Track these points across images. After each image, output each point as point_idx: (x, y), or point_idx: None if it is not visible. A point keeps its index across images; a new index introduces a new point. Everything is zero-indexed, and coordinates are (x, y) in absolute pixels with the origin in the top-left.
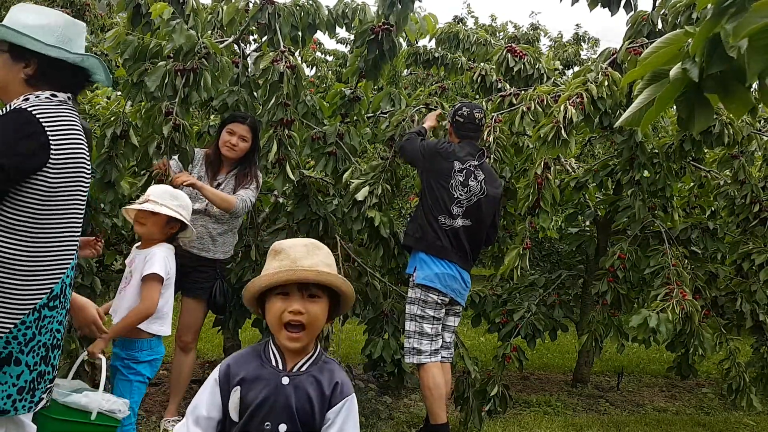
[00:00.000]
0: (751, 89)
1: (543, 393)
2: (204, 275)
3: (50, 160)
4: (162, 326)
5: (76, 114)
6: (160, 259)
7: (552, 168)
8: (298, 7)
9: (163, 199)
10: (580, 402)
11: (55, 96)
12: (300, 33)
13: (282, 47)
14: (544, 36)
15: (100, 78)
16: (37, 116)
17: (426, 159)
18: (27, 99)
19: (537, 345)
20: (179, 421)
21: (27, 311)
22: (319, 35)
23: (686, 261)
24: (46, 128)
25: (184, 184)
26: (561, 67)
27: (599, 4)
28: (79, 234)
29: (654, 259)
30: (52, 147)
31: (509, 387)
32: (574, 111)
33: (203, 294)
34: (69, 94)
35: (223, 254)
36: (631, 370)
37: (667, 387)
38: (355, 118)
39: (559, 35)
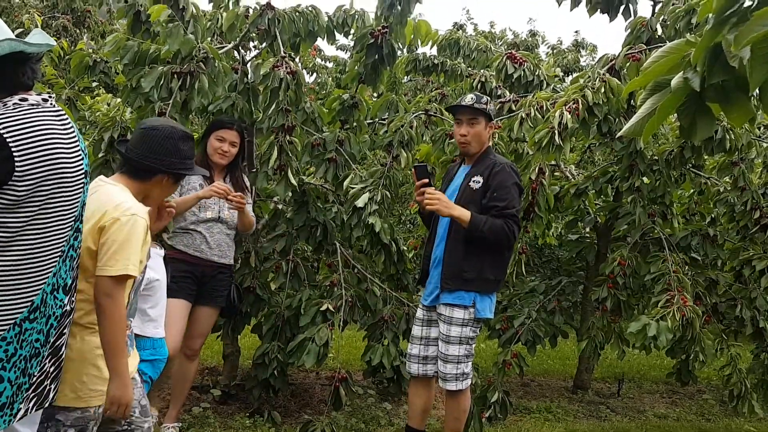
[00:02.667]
0: (752, 98)
1: (543, 399)
2: (223, 282)
3: (16, 172)
4: (156, 329)
5: (54, 115)
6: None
7: (547, 173)
8: (297, 14)
9: None
10: (580, 408)
11: (25, 100)
12: (300, 40)
13: (282, 53)
14: (543, 43)
15: (33, 49)
16: None
17: None
18: None
19: (537, 351)
20: (178, 427)
21: (7, 327)
22: (319, 42)
23: (686, 267)
24: (9, 140)
25: (236, 206)
26: (561, 73)
27: (598, 10)
28: (64, 240)
29: (654, 266)
30: (16, 158)
31: (509, 393)
32: (569, 117)
33: (221, 301)
34: (44, 96)
35: (233, 259)
36: (631, 376)
37: (667, 393)
38: (354, 124)
39: (559, 42)
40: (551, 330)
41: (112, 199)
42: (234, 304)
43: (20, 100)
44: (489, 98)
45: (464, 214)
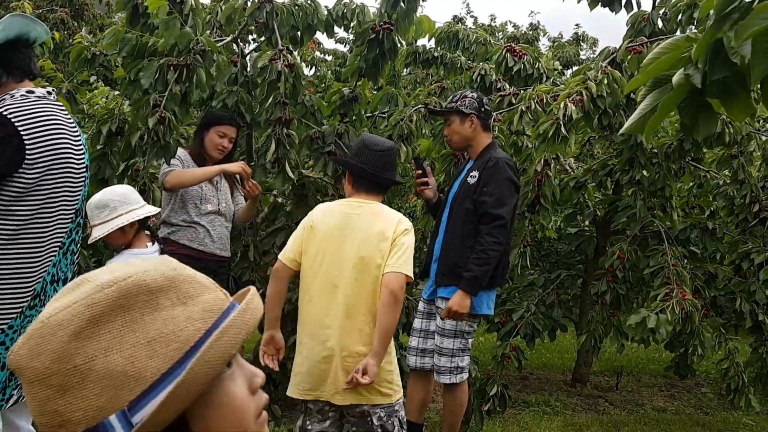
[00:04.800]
0: (751, 93)
1: (542, 393)
2: (223, 276)
3: (26, 161)
4: None
5: (59, 109)
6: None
7: (552, 165)
8: (296, 8)
9: (96, 217)
10: (579, 402)
11: (32, 92)
12: (299, 33)
13: (280, 46)
14: (543, 36)
15: (36, 34)
16: (10, 117)
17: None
18: (2, 100)
19: (536, 345)
20: None
21: (15, 315)
22: (318, 35)
23: (685, 261)
24: (20, 129)
25: (250, 192)
26: (560, 67)
27: (599, 3)
28: (66, 231)
29: (653, 259)
30: (27, 147)
31: (508, 387)
32: (574, 108)
33: None
34: (49, 89)
35: (230, 252)
36: (630, 369)
37: (666, 387)
38: (354, 118)
39: (559, 35)
40: (550, 323)
41: (392, 214)
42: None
43: (27, 92)
44: (468, 93)
45: (466, 294)
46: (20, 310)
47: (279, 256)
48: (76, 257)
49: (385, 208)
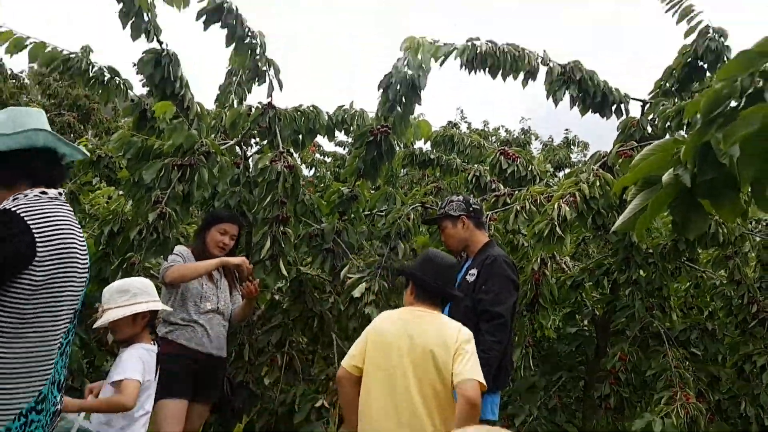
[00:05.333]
0: (741, 194)
1: None
2: (219, 377)
3: (36, 258)
4: (144, 426)
5: (68, 210)
6: (132, 362)
7: (549, 264)
8: (299, 113)
9: (113, 301)
10: None
11: (45, 193)
12: (300, 137)
13: (281, 148)
14: (535, 140)
15: (65, 151)
16: (23, 215)
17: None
18: (16, 198)
19: None
20: None
21: (12, 416)
22: (319, 138)
23: (687, 363)
24: (32, 226)
25: (249, 292)
26: (552, 169)
27: (590, 110)
28: (63, 333)
29: (655, 361)
30: (38, 245)
31: None
32: (567, 209)
33: (215, 396)
34: (60, 190)
35: (226, 352)
36: None
37: None
38: (352, 215)
39: (550, 139)
40: (553, 429)
41: (453, 323)
42: (228, 398)
43: (40, 192)
44: (453, 197)
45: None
46: (19, 411)
47: (342, 363)
48: (67, 359)
49: (445, 318)
